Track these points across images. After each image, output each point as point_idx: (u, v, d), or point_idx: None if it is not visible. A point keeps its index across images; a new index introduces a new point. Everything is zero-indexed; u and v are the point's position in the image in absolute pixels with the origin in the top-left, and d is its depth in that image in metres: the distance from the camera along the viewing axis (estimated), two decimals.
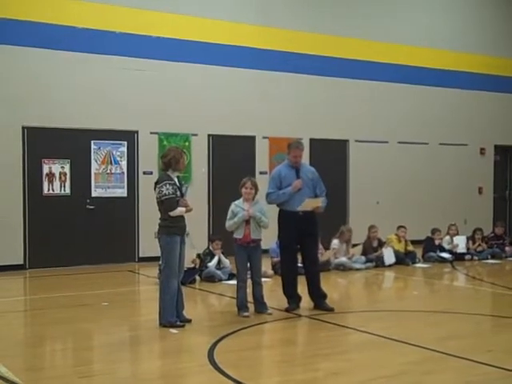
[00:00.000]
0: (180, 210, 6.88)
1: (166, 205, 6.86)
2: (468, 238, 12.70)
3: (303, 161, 8.07)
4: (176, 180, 6.98)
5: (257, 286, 7.52)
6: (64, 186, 11.39)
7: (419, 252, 12.20)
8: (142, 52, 11.87)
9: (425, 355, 5.82)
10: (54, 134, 11.25)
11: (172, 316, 6.87)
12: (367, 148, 14.36)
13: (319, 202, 7.74)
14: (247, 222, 7.37)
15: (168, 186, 6.83)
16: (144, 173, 11.81)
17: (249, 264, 7.51)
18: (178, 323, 6.85)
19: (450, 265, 11.84)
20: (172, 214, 6.85)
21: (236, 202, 7.52)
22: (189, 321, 7.03)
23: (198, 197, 12.31)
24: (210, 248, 10.14)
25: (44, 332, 6.93)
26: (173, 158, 6.91)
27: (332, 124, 13.93)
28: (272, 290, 8.95)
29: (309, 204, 7.63)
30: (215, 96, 12.59)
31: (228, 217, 7.48)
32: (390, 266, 11.37)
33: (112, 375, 5.35)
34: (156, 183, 6.97)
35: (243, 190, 7.48)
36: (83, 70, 11.39)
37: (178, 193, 6.90)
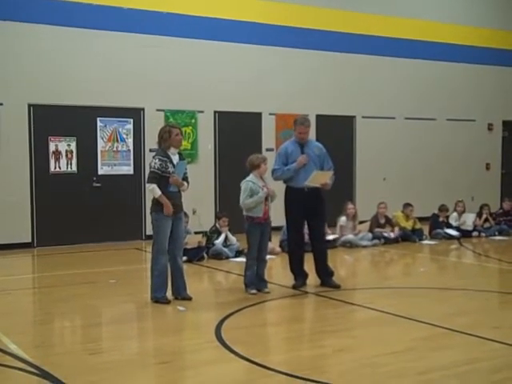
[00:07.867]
0: (153, 187, 6.79)
1: (148, 177, 6.92)
2: (476, 215, 12.65)
3: (310, 137, 8.02)
4: (175, 157, 6.96)
5: (262, 262, 7.49)
6: (70, 164, 11.39)
7: (426, 229, 12.18)
8: (149, 29, 11.77)
9: (432, 332, 5.83)
10: (60, 112, 11.23)
11: (159, 292, 6.93)
12: (374, 124, 14.27)
13: (327, 178, 7.63)
14: (265, 199, 7.33)
15: (157, 160, 6.87)
16: (150, 150, 11.74)
17: None
18: (164, 300, 6.90)
19: (457, 242, 11.82)
20: (147, 187, 6.93)
21: (251, 180, 7.35)
22: (189, 299, 7.06)
23: (205, 174, 12.31)
24: (217, 225, 10.13)
25: (52, 309, 6.97)
26: (161, 138, 6.97)
27: (339, 100, 13.84)
28: (279, 267, 8.98)
29: (316, 179, 7.51)
30: (221, 73, 12.50)
31: (244, 195, 7.27)
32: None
33: (121, 352, 5.40)
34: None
35: (263, 166, 7.38)
36: (89, 47, 11.32)
37: (171, 169, 6.87)
